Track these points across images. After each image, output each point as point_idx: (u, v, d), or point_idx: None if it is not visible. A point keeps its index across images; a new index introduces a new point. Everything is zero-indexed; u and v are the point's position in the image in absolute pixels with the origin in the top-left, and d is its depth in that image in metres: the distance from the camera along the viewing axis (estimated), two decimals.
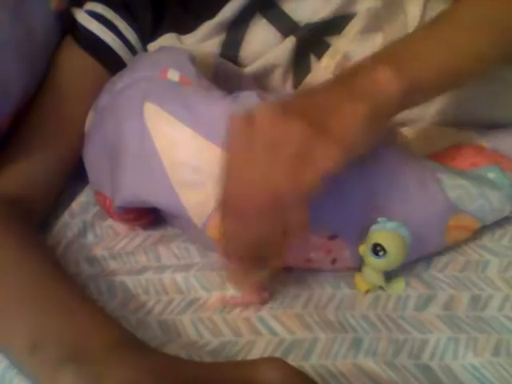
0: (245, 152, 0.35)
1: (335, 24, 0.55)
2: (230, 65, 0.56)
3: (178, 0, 0.58)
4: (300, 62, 0.57)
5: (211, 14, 0.56)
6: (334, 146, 0.35)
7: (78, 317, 0.36)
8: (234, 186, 0.36)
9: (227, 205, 0.36)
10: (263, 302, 0.43)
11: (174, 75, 0.47)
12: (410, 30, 0.54)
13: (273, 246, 0.37)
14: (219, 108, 0.44)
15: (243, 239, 0.37)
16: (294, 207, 0.35)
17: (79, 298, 0.39)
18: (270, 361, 0.30)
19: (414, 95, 0.40)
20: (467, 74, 0.43)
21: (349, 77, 0.39)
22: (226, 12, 0.55)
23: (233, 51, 0.57)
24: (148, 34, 0.57)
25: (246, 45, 0.57)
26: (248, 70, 0.57)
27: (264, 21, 0.56)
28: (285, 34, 0.56)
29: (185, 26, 0.57)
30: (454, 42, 0.41)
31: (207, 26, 0.56)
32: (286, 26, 0.56)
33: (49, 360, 0.33)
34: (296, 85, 0.58)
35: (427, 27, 0.43)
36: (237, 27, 0.56)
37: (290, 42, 0.56)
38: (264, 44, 0.57)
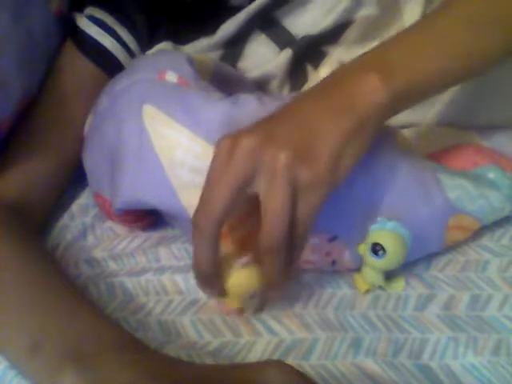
0: (220, 178, 0.36)
1: (332, 33, 0.55)
2: (229, 68, 0.56)
3: (176, 12, 0.57)
4: (296, 72, 0.57)
5: (210, 30, 0.56)
6: (319, 177, 0.35)
7: (78, 318, 0.36)
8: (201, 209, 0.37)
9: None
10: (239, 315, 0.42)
11: (172, 77, 0.47)
12: None
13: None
14: (218, 110, 0.44)
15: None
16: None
17: (79, 299, 0.39)
18: (272, 363, 0.30)
19: (408, 98, 0.39)
20: (468, 72, 0.42)
21: (333, 87, 0.38)
22: (225, 30, 0.55)
23: (230, 64, 0.57)
24: (145, 42, 0.57)
25: (243, 59, 0.57)
26: None
27: (263, 36, 0.56)
28: (282, 47, 0.56)
29: (182, 39, 0.57)
30: (452, 39, 0.40)
31: (205, 43, 0.56)
32: (284, 39, 0.56)
33: (49, 361, 0.33)
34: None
35: (423, 23, 0.42)
36: (235, 43, 0.56)
37: (286, 53, 0.55)
38: (262, 58, 0.57)
